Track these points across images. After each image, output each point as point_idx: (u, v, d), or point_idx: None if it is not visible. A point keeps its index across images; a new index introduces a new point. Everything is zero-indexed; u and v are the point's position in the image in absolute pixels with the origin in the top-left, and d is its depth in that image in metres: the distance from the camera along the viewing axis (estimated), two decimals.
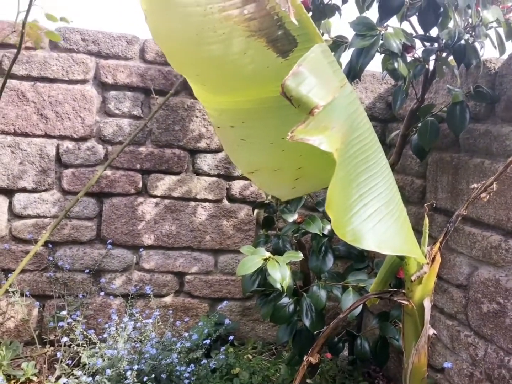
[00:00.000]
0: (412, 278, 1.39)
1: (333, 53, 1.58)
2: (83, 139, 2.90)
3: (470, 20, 2.09)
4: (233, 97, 1.34)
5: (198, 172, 3.05)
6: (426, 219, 1.44)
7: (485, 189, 1.38)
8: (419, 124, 2.36)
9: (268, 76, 1.21)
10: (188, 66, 1.30)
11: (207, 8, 1.12)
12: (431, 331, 1.45)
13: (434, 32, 2.10)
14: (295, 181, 1.54)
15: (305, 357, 1.58)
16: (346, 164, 1.13)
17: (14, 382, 2.53)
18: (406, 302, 1.42)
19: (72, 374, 2.43)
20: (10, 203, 2.85)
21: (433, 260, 1.41)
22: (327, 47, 1.10)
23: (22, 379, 2.52)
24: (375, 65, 3.37)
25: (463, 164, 2.31)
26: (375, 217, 1.21)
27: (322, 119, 1.06)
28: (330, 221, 2.37)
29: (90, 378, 2.25)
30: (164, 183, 3.01)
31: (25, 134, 2.83)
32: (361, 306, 2.09)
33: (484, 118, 2.24)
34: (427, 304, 1.42)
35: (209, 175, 3.06)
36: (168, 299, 3.07)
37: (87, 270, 2.91)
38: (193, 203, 3.06)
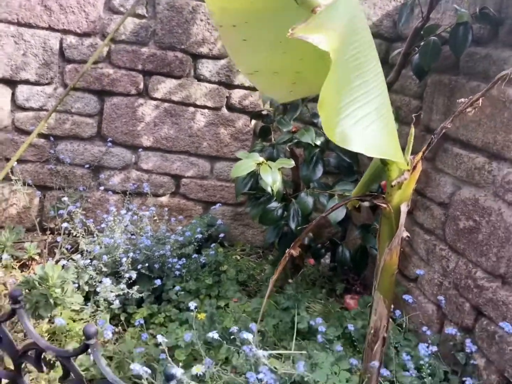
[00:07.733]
0: (392, 183, 1.49)
1: None
2: (87, 34, 2.89)
3: None
4: None
5: (199, 78, 3.07)
6: (412, 129, 1.51)
7: (471, 104, 1.44)
8: (422, 44, 2.37)
9: None
10: None
11: None
12: (405, 234, 1.57)
13: None
14: (293, 84, 1.59)
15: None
16: (342, 66, 1.18)
17: (17, 262, 2.71)
18: (384, 205, 1.53)
19: (71, 259, 2.59)
20: (13, 94, 2.89)
21: (414, 168, 1.50)
22: None
23: (25, 257, 2.71)
24: None
25: (460, 86, 2.35)
26: (365, 121, 1.28)
27: (323, 19, 1.09)
28: (324, 134, 2.45)
29: (88, 261, 2.41)
30: (165, 86, 3.04)
31: (29, 25, 2.81)
32: (344, 213, 2.23)
33: (487, 42, 2.24)
34: (404, 209, 1.53)
35: (210, 81, 3.08)
36: (164, 199, 3.21)
37: (87, 165, 3.01)
38: (192, 109, 3.11)
